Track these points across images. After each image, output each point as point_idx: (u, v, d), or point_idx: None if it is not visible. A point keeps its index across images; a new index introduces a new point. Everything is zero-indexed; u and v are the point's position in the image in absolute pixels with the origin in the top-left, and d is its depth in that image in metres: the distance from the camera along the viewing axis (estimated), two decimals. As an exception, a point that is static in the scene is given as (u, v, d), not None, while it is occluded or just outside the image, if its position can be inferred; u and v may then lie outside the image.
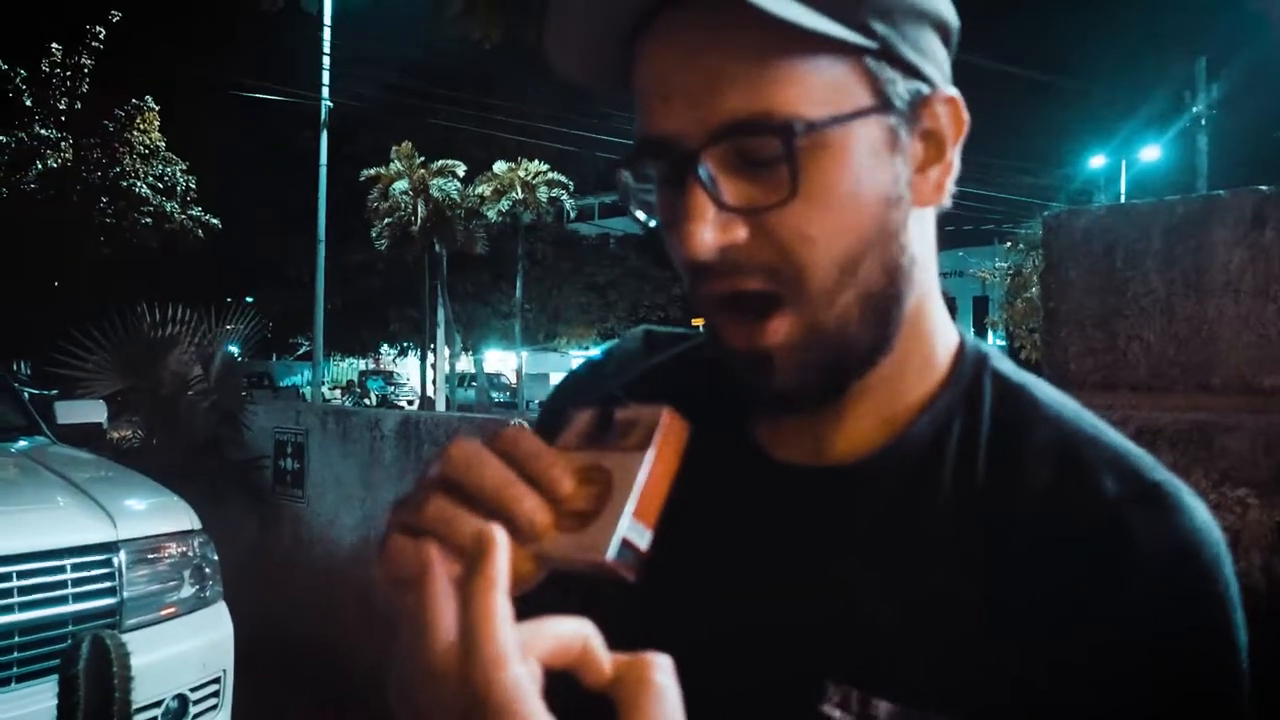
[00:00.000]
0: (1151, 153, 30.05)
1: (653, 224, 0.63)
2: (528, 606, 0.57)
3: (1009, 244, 23.52)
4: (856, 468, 0.64)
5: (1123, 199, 27.53)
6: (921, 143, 0.62)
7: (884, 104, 0.59)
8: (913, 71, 0.60)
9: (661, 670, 0.47)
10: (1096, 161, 32.96)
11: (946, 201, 0.65)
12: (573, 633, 0.48)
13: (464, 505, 0.51)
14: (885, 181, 0.59)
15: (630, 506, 0.51)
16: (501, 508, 0.50)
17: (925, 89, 0.61)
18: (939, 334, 0.66)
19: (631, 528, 0.51)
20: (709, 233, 0.57)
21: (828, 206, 0.57)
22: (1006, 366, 0.67)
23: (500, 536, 0.48)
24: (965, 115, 0.62)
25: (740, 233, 0.58)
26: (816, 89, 0.56)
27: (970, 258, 27.78)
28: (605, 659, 0.48)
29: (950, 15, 0.63)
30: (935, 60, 0.62)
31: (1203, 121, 23.78)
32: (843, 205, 0.58)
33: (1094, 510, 0.58)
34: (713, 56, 0.56)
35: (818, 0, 0.56)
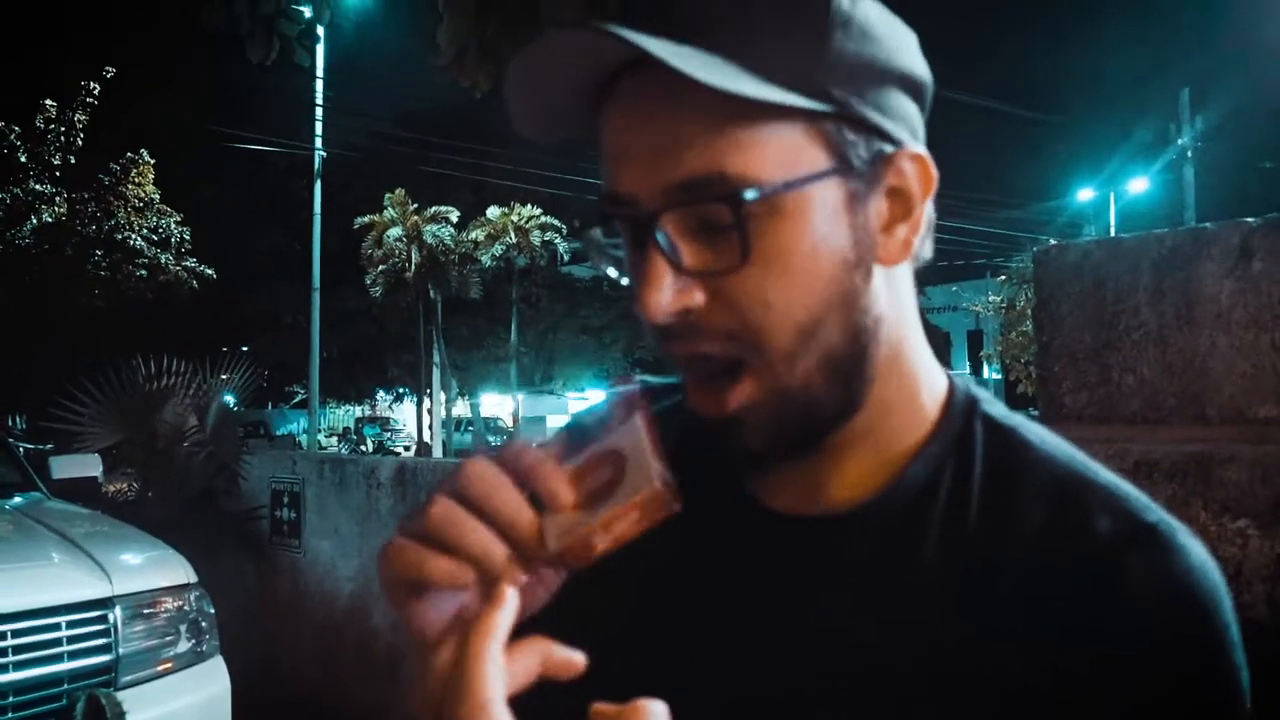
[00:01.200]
0: (1139, 185, 30.32)
1: (624, 280, 0.63)
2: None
3: (1001, 278, 23.66)
4: (850, 515, 0.64)
5: (1112, 231, 27.73)
6: (887, 201, 0.61)
7: (843, 166, 0.59)
8: (876, 132, 0.60)
9: (656, 718, 0.49)
10: (1085, 194, 33.22)
11: (926, 253, 0.65)
12: (530, 656, 0.52)
13: (469, 512, 0.54)
14: (844, 244, 0.59)
15: (651, 449, 0.55)
16: (506, 530, 0.54)
17: (889, 148, 0.60)
18: (924, 381, 0.66)
19: (658, 466, 0.54)
20: (666, 296, 0.58)
21: (784, 271, 0.57)
22: (997, 410, 0.67)
23: (510, 594, 0.52)
24: (934, 172, 0.62)
25: (698, 296, 0.58)
26: (770, 153, 0.57)
27: (963, 292, 27.89)
28: (575, 655, 0.53)
29: (920, 72, 0.63)
30: (902, 118, 0.62)
31: (1189, 154, 24.01)
32: (800, 269, 0.58)
33: (1087, 552, 0.58)
34: (668, 121, 0.57)
35: (772, 67, 0.56)
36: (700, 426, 0.64)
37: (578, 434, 0.81)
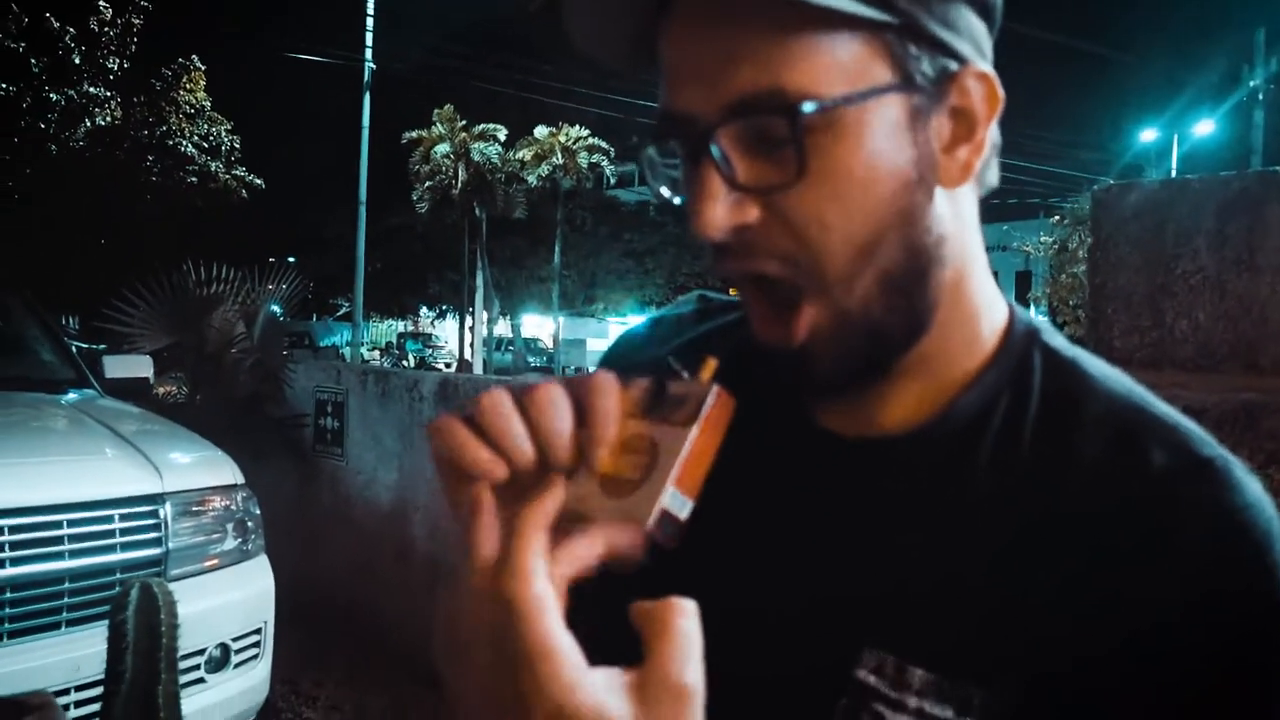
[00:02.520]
0: (1205, 127, 29.36)
1: (677, 201, 0.62)
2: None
3: (1055, 218, 23.15)
4: (903, 439, 0.64)
5: (1174, 175, 26.95)
6: (950, 120, 0.60)
7: (906, 81, 0.57)
8: (941, 47, 0.58)
9: (685, 614, 0.49)
10: (1147, 136, 32.26)
11: (991, 179, 0.63)
12: (588, 550, 0.53)
13: (522, 424, 0.55)
14: (904, 162, 0.58)
15: (672, 478, 0.53)
16: (545, 452, 0.55)
17: (954, 65, 0.59)
18: (984, 309, 0.66)
19: (673, 498, 0.54)
20: (720, 212, 0.57)
21: (841, 188, 0.56)
22: (1057, 341, 0.67)
23: (560, 482, 0.53)
24: (1000, 92, 0.60)
25: (753, 212, 0.58)
26: (830, 66, 0.55)
27: (1015, 231, 27.36)
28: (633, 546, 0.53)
29: None
30: (969, 35, 0.59)
31: (1260, 96, 23.15)
32: (857, 187, 0.57)
33: (1141, 484, 0.57)
34: (727, 34, 0.56)
35: None
36: (760, 348, 0.64)
37: (623, 362, 0.81)
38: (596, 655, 0.49)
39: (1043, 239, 23.83)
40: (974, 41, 0.60)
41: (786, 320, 0.60)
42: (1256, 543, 0.55)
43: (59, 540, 2.73)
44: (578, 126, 29.65)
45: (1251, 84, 23.41)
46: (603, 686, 0.47)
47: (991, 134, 0.61)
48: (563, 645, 0.48)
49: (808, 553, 0.64)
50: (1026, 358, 0.65)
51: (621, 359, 0.82)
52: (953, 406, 0.64)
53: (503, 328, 37.40)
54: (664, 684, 0.47)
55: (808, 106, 0.54)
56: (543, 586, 0.49)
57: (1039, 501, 0.59)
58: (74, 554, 2.75)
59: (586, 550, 0.52)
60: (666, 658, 0.48)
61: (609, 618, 0.53)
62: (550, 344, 36.81)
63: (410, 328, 43.33)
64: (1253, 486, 0.57)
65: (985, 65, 0.60)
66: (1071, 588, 0.56)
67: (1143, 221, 2.67)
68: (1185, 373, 2.56)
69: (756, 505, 0.67)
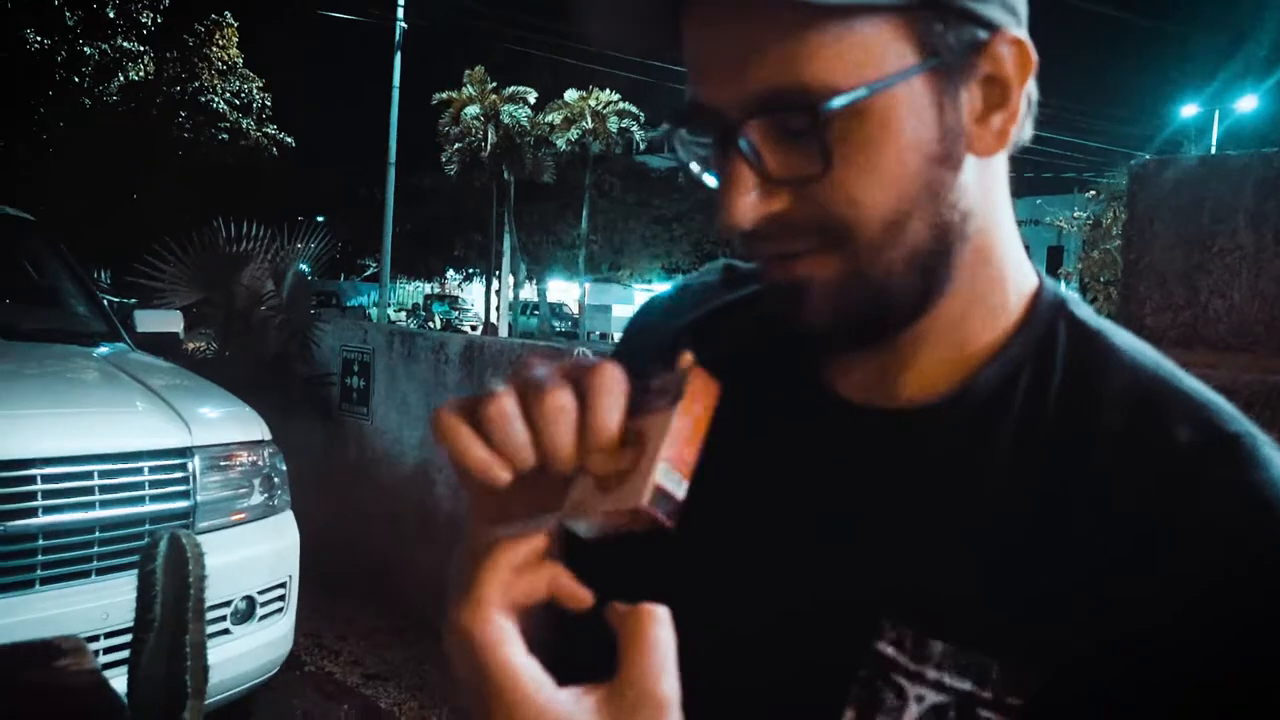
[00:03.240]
0: (1248, 103, 28.78)
1: (708, 179, 0.62)
2: (610, 548, 0.59)
3: (1090, 193, 22.82)
4: (923, 410, 0.63)
5: (1214, 151, 26.45)
6: (981, 89, 0.58)
7: (932, 59, 0.56)
8: (969, 17, 0.56)
9: (660, 623, 0.50)
10: (1188, 110, 31.63)
11: (1025, 136, 0.62)
12: (538, 573, 0.54)
13: (525, 426, 0.55)
14: (932, 139, 0.57)
15: (662, 454, 0.54)
16: (547, 455, 0.55)
17: (984, 34, 0.57)
18: (1011, 278, 0.64)
19: (666, 475, 0.54)
20: (750, 204, 0.57)
21: (870, 171, 0.56)
22: (1084, 312, 0.65)
23: (541, 531, 0.55)
24: (1034, 55, 0.59)
25: (782, 202, 0.58)
26: (853, 55, 0.54)
27: (1047, 206, 27.00)
28: (581, 590, 0.54)
29: None
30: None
31: (1306, 72, 22.62)
32: (886, 169, 0.56)
33: (1166, 460, 0.56)
34: (746, 28, 0.55)
35: None
36: (768, 299, 0.63)
37: (648, 329, 0.81)
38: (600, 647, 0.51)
39: (1076, 214, 23.51)
40: (1005, 3, 0.58)
41: (799, 262, 0.59)
42: None
43: (90, 490, 2.77)
44: (608, 90, 29.46)
45: (1298, 59, 22.86)
46: (573, 706, 0.48)
47: (1027, 93, 0.60)
48: (525, 673, 0.49)
49: (826, 524, 0.63)
50: (1052, 329, 0.64)
51: (646, 327, 0.82)
52: (974, 377, 0.63)
53: (529, 292, 37.45)
54: (639, 695, 0.48)
55: (831, 103, 0.54)
56: (499, 620, 0.51)
57: (1061, 476, 0.58)
58: (104, 504, 2.80)
59: (534, 580, 0.53)
60: (641, 668, 0.49)
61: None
62: (576, 309, 36.81)
63: (437, 290, 43.46)
64: None
65: (1018, 29, 0.59)
66: (1094, 565, 0.55)
67: (1180, 198, 2.63)
68: (1217, 352, 2.53)
69: (773, 476, 0.66)
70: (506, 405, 0.55)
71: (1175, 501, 0.55)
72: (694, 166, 0.63)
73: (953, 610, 0.58)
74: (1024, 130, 0.61)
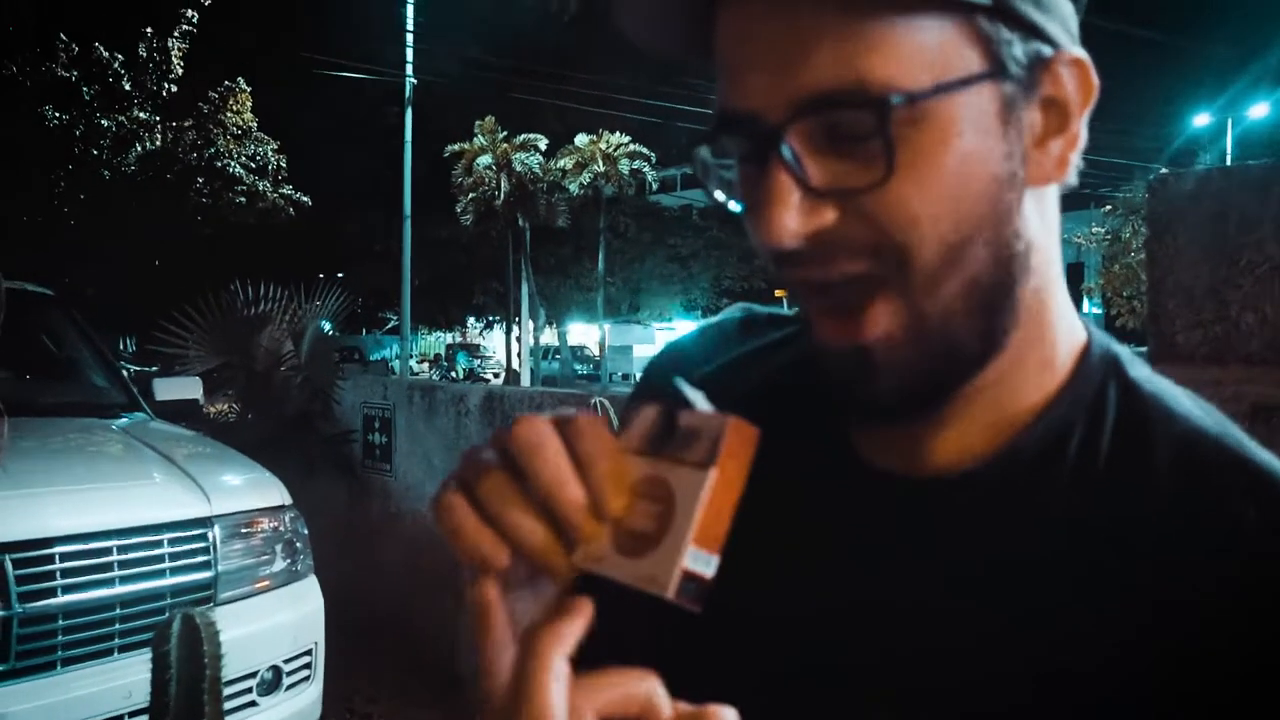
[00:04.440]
0: (1260, 110, 28.64)
1: (734, 206, 0.56)
2: (603, 610, 0.54)
3: (1107, 208, 22.70)
4: (960, 480, 0.57)
5: (1228, 160, 26.31)
6: (1042, 112, 0.54)
7: (998, 69, 0.51)
8: (1033, 30, 0.52)
9: None
10: (1200, 120, 31.53)
11: (1072, 178, 0.57)
12: (636, 686, 0.46)
13: (520, 490, 0.50)
14: (997, 157, 0.52)
15: (691, 534, 0.47)
16: (553, 506, 0.49)
17: (1047, 50, 0.53)
18: (1061, 331, 0.59)
19: (694, 558, 0.48)
20: (793, 218, 0.51)
21: (930, 184, 0.50)
22: (1139, 372, 0.59)
23: (583, 605, 0.48)
24: (1095, 80, 0.54)
25: (829, 216, 0.52)
26: (918, 54, 0.50)
27: (1065, 222, 26.85)
28: (667, 710, 0.46)
29: None
30: (1060, 17, 0.54)
31: (1317, 75, 22.53)
32: (948, 183, 0.51)
33: (1232, 545, 0.50)
34: (797, 19, 0.50)
35: None
36: (806, 366, 0.58)
37: (666, 379, 0.77)
38: None
39: (1094, 229, 23.37)
40: (1064, 23, 0.54)
41: (855, 317, 0.53)
42: None
43: (109, 566, 2.75)
44: (618, 133, 29.68)
45: (1308, 63, 22.78)
46: None
47: (1084, 125, 0.55)
48: None
49: (852, 604, 0.58)
50: (1103, 390, 0.58)
51: (665, 374, 0.78)
52: (1016, 443, 0.57)
53: (549, 336, 37.56)
54: None
55: (895, 100, 0.49)
56: None
57: (1110, 559, 0.52)
58: (124, 580, 2.77)
59: (619, 687, 0.47)
60: None
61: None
62: (597, 351, 36.90)
63: (458, 339, 43.68)
64: None
65: (1078, 49, 0.55)
66: (1142, 655, 0.50)
67: (1202, 211, 2.57)
68: (1253, 367, 2.45)
69: (796, 550, 0.61)
70: (499, 479, 0.50)
71: (1249, 601, 0.49)
72: (719, 194, 0.57)
73: (988, 692, 0.52)
74: (1075, 171, 0.57)
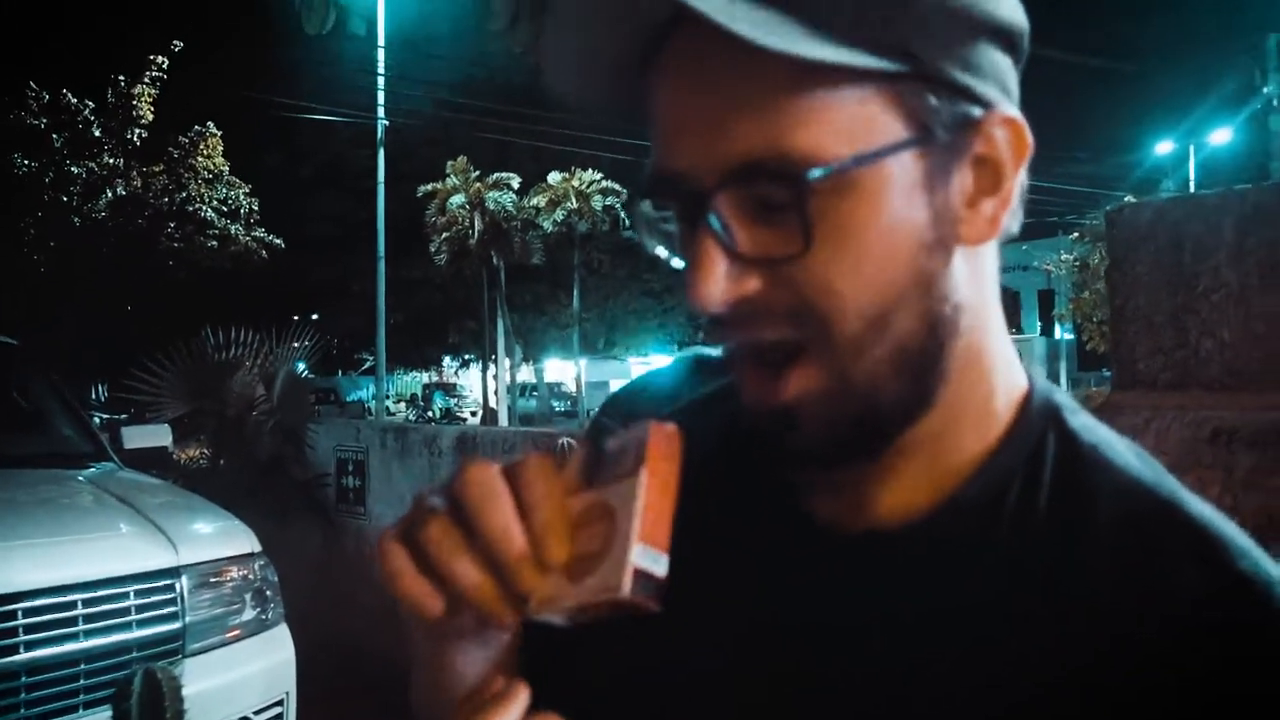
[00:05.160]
0: (1221, 136, 29.22)
1: (676, 262, 0.57)
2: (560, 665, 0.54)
3: (1074, 235, 23.03)
4: (900, 534, 0.57)
5: (1191, 186, 26.79)
6: (973, 172, 0.54)
7: (922, 135, 0.51)
8: (961, 93, 0.52)
9: None
10: (1163, 148, 32.11)
11: (1013, 228, 0.57)
12: None
13: (464, 539, 0.51)
14: (921, 222, 0.52)
15: (635, 533, 0.49)
16: (499, 560, 0.51)
17: (977, 111, 0.53)
18: (1000, 381, 0.59)
19: (643, 555, 0.49)
20: (719, 284, 0.52)
21: (852, 254, 0.51)
22: (1080, 422, 0.59)
23: (521, 694, 0.51)
24: (1029, 138, 0.54)
25: (755, 283, 0.52)
26: (839, 124, 0.50)
27: (1034, 251, 27.21)
28: None
29: (1015, 18, 0.55)
30: (993, 75, 0.54)
31: (1274, 103, 23.03)
32: (870, 252, 0.51)
33: (1165, 607, 0.50)
34: (724, 89, 0.50)
35: (841, 20, 0.49)
36: (749, 417, 0.58)
37: (618, 416, 0.77)
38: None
39: (1063, 256, 23.68)
40: (999, 81, 0.54)
41: (777, 380, 0.54)
42: None
43: (74, 621, 2.70)
44: (590, 170, 29.86)
45: (1265, 90, 23.28)
46: None
47: (1020, 181, 0.55)
48: None
49: (797, 658, 0.57)
50: (1041, 442, 0.58)
51: (616, 419, 0.78)
52: (957, 497, 0.57)
53: (526, 374, 37.50)
54: None
55: (814, 173, 0.49)
56: None
57: (1048, 617, 0.52)
58: (89, 634, 2.72)
59: None
60: None
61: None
62: (574, 388, 36.86)
63: (435, 378, 43.53)
64: None
65: (1011, 108, 0.55)
66: (1083, 713, 0.50)
67: (1159, 240, 2.61)
68: (1214, 393, 2.49)
69: (738, 603, 0.60)
70: (442, 526, 0.51)
71: (1179, 652, 0.49)
72: (661, 250, 0.58)
73: None
74: (1014, 220, 0.56)
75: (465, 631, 0.58)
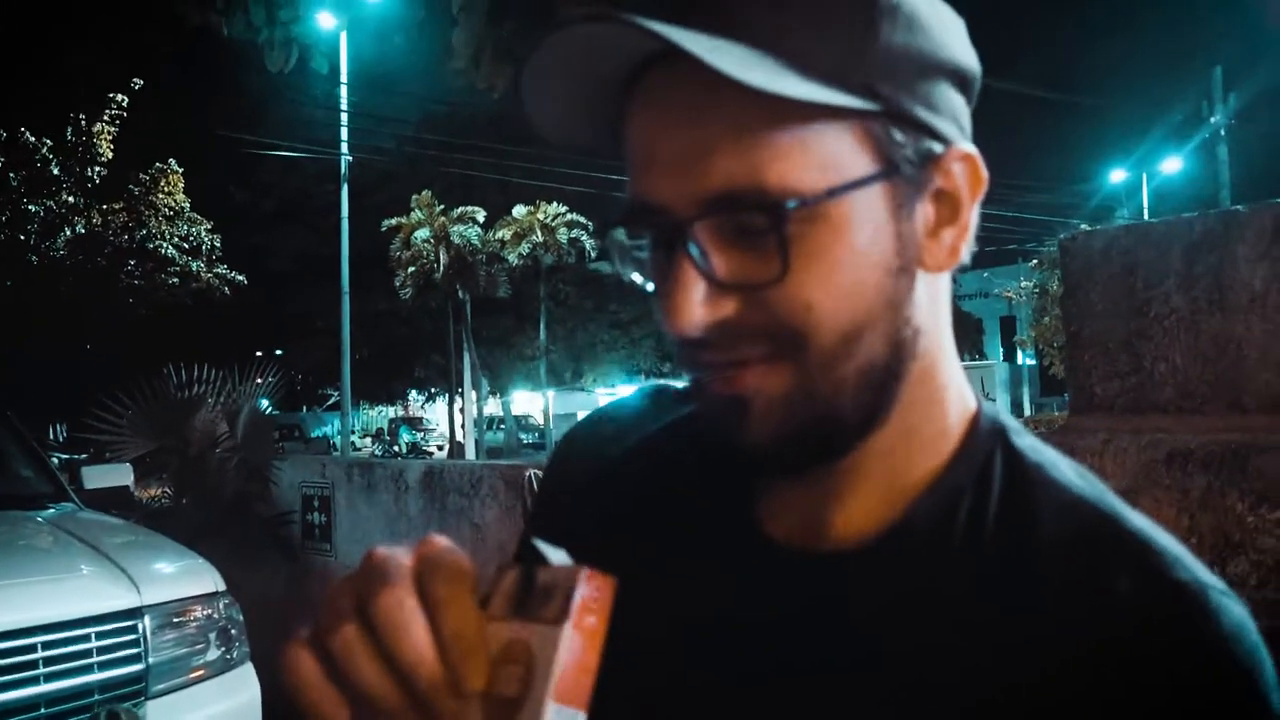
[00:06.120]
0: (1173, 165, 29.91)
1: (648, 287, 0.59)
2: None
3: (1033, 262, 23.39)
4: (854, 553, 0.60)
5: (1145, 213, 27.34)
6: (934, 204, 0.57)
7: (890, 168, 0.55)
8: (924, 130, 0.56)
9: None
10: (1117, 176, 32.80)
11: (966, 259, 0.60)
12: None
13: (375, 648, 0.48)
14: (890, 250, 0.55)
15: (550, 692, 0.47)
16: (413, 684, 0.47)
17: (938, 148, 0.57)
18: (951, 403, 0.61)
19: (558, 713, 0.47)
20: (698, 309, 0.54)
21: (826, 277, 0.54)
22: (1025, 442, 0.62)
23: None
24: (984, 173, 0.58)
25: (732, 306, 0.55)
26: (812, 158, 0.53)
27: (995, 278, 27.61)
28: None
29: (969, 62, 0.59)
30: (951, 114, 0.57)
31: (1222, 132, 23.62)
32: (843, 278, 0.54)
33: (1109, 614, 0.53)
34: (699, 123, 0.53)
35: (813, 61, 0.52)
36: (707, 437, 0.59)
37: (574, 459, 0.77)
38: None
39: (1023, 283, 24.05)
40: (955, 119, 0.58)
41: (740, 374, 0.56)
42: (1236, 677, 0.51)
43: (34, 665, 2.65)
44: (555, 204, 29.96)
45: (1213, 121, 23.88)
46: None
47: (975, 213, 0.59)
48: None
49: (753, 678, 0.59)
50: (989, 461, 0.60)
51: (572, 457, 0.79)
52: (909, 513, 0.59)
53: (493, 406, 37.32)
54: None
55: (790, 203, 0.52)
56: None
57: (997, 632, 0.54)
58: (49, 677, 2.67)
59: None
60: None
61: None
62: (541, 420, 36.73)
63: (401, 413, 43.20)
64: (1231, 613, 0.53)
65: (968, 145, 0.58)
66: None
67: (1111, 266, 2.67)
68: (1168, 416, 2.54)
69: (697, 624, 0.62)
70: (348, 633, 0.48)
71: (1123, 662, 0.52)
72: (635, 276, 0.60)
73: None
74: (968, 250, 0.60)
75: None
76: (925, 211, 0.57)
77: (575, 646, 0.48)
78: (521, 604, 0.50)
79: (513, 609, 0.50)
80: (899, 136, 0.55)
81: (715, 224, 0.54)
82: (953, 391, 0.61)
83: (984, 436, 0.61)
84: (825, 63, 0.52)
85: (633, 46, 0.53)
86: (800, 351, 0.54)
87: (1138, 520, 0.57)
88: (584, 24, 0.52)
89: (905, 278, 0.56)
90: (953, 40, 0.58)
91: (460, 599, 0.48)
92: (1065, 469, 0.60)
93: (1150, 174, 31.33)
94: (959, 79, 0.58)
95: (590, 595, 0.49)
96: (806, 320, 0.54)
